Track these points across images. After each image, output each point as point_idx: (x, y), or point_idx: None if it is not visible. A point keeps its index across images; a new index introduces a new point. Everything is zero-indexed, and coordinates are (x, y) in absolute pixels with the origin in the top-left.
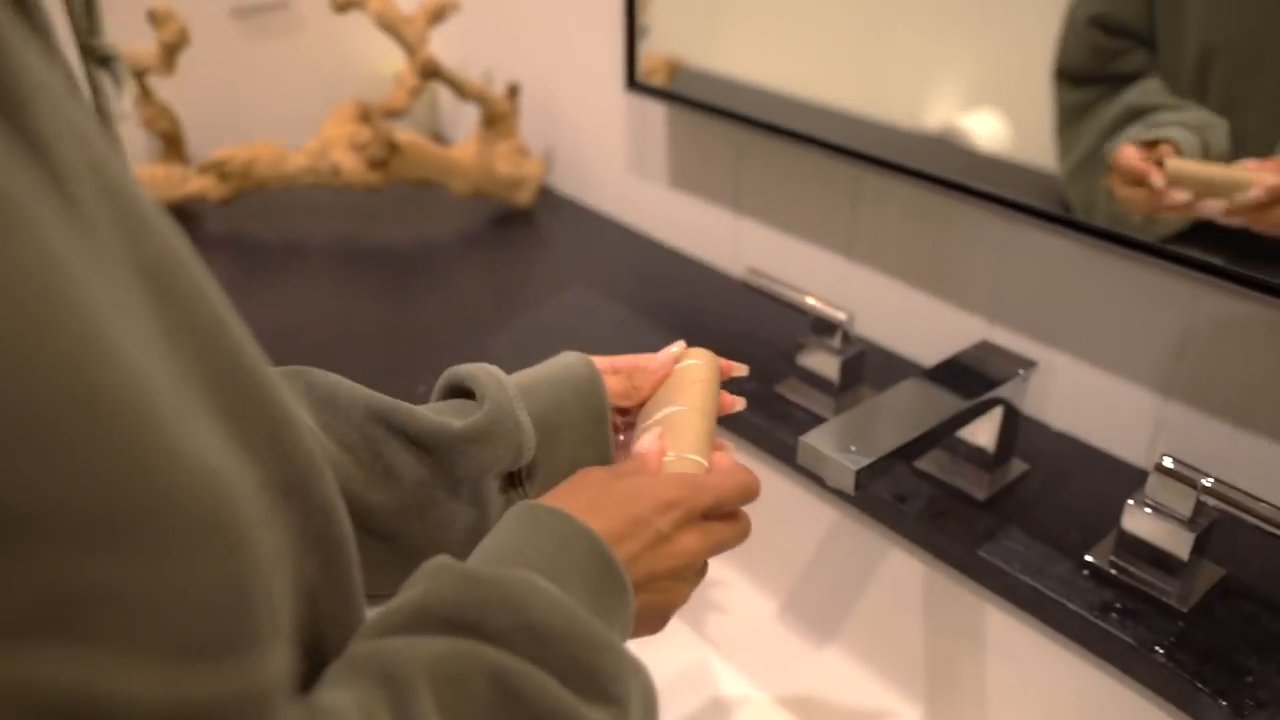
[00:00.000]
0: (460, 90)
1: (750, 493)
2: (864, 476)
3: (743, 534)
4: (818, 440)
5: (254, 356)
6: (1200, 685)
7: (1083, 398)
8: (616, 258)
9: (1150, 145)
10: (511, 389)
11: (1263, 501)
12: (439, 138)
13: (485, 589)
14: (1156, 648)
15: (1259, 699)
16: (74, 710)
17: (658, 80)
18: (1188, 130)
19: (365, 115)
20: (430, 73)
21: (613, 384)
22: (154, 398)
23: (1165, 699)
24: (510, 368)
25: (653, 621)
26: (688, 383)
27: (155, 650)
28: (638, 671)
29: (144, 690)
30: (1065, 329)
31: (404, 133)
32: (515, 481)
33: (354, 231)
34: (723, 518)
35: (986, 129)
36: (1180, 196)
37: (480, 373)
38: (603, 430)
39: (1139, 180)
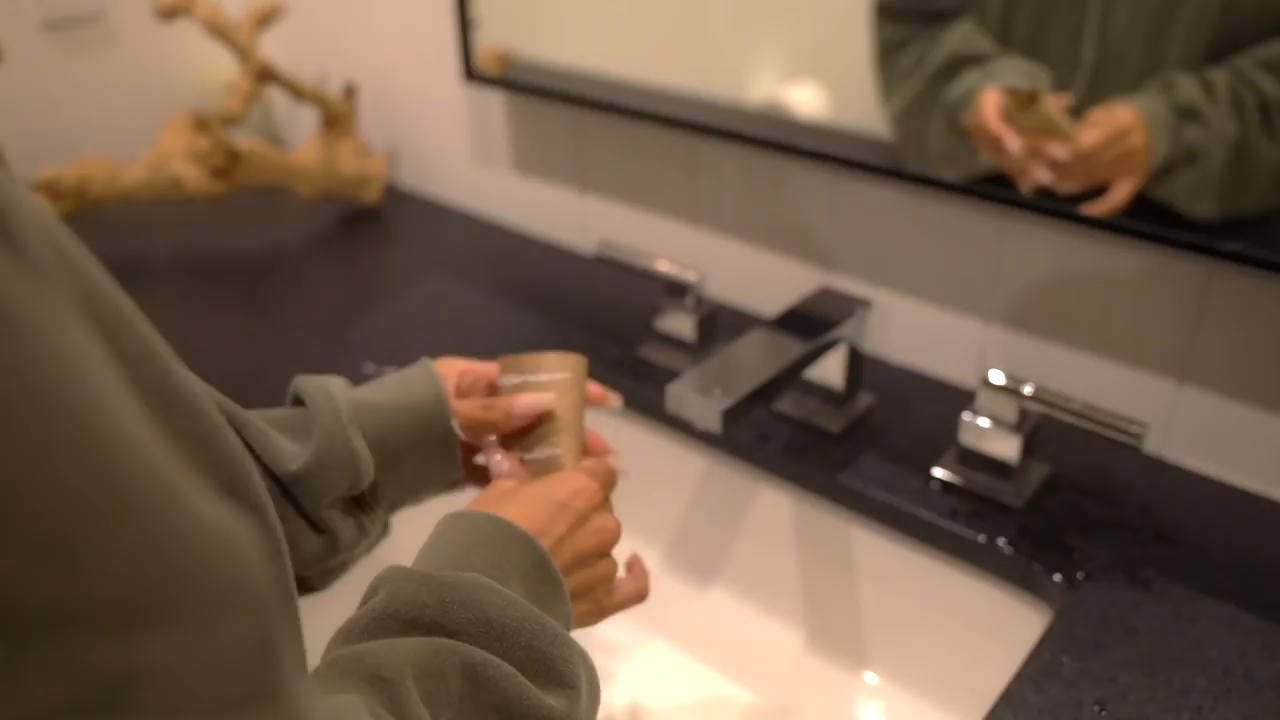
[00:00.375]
0: (297, 93)
1: (613, 479)
2: (729, 416)
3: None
4: (683, 388)
5: (179, 370)
6: (1038, 566)
7: (917, 331)
8: (469, 246)
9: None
10: (346, 413)
11: (1074, 400)
12: (276, 140)
13: (444, 590)
14: (998, 540)
15: (1087, 570)
16: None
17: (491, 71)
18: (1024, 79)
19: (203, 125)
20: (265, 77)
21: (464, 410)
22: (162, 468)
23: (1011, 582)
24: (376, 359)
25: (590, 609)
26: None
27: (200, 713)
28: (583, 657)
29: None
30: (896, 270)
31: (243, 139)
32: (362, 503)
33: (201, 243)
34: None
35: (808, 99)
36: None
37: (318, 394)
38: (448, 451)
39: (996, 143)
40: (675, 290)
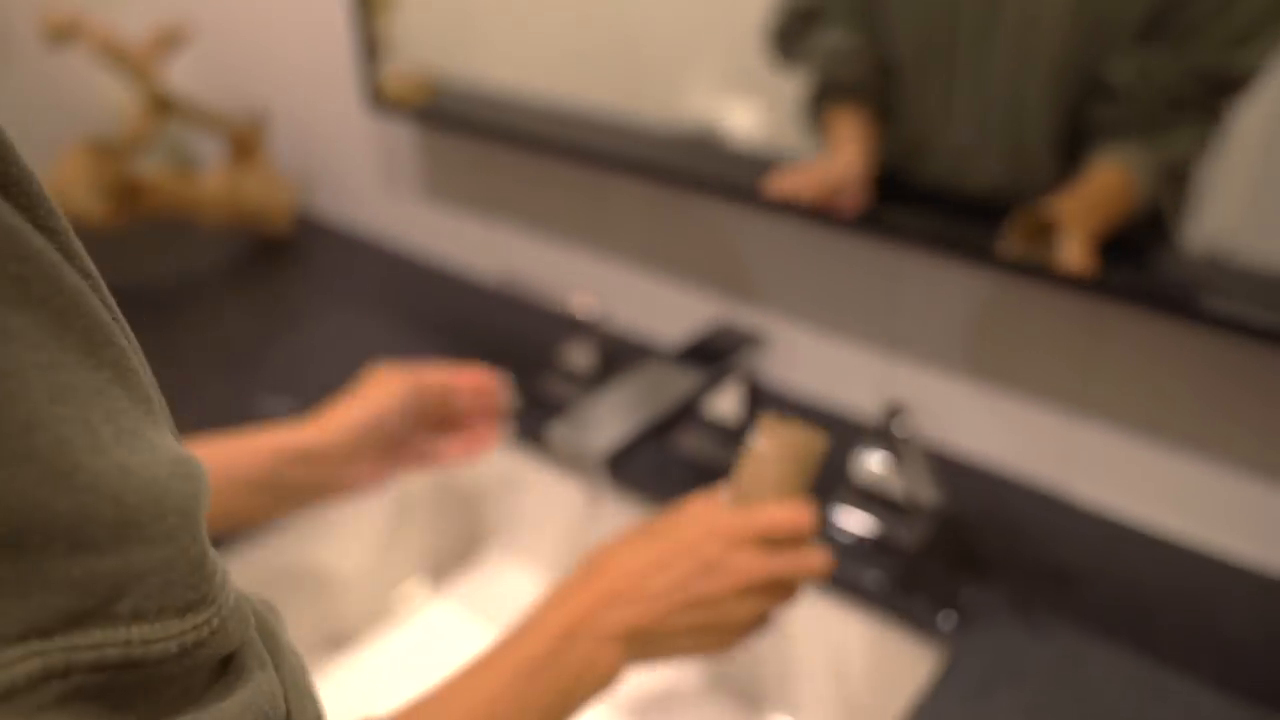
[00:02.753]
0: (200, 122)
1: (798, 525)
2: (608, 460)
3: (805, 568)
4: (563, 431)
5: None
6: (926, 608)
7: (820, 365)
8: (378, 277)
9: None
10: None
11: (940, 442)
12: (191, 160)
13: None
14: (887, 581)
15: (977, 612)
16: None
17: (411, 93)
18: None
19: (103, 153)
20: (162, 105)
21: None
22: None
23: (901, 625)
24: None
25: (715, 638)
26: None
27: (167, 614)
28: None
29: (167, 637)
30: (802, 302)
31: (147, 167)
32: None
33: (102, 274)
34: (786, 548)
35: (742, 118)
36: None
37: None
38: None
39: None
40: (577, 323)
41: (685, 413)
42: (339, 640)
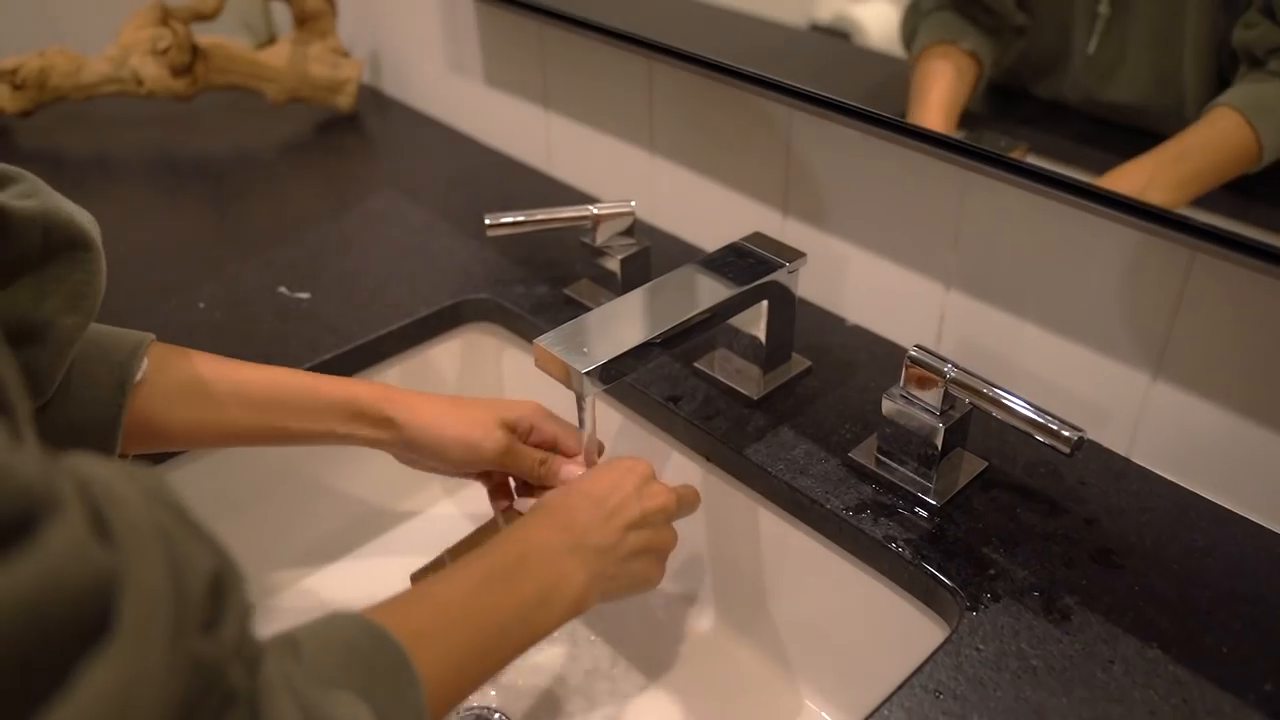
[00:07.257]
0: None
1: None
2: (596, 378)
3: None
4: (552, 343)
5: None
6: (943, 579)
7: (874, 289)
8: (434, 161)
9: None
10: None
11: (996, 388)
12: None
13: None
14: (904, 543)
15: (996, 592)
16: None
17: None
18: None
19: (165, 17)
20: None
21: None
22: None
23: (912, 593)
24: (291, 283)
25: (655, 564)
26: None
27: None
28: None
29: None
30: (856, 218)
31: (208, 36)
32: None
33: (168, 143)
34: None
35: (878, 20)
36: None
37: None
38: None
39: None
40: (611, 228)
41: (709, 325)
42: (368, 527)
